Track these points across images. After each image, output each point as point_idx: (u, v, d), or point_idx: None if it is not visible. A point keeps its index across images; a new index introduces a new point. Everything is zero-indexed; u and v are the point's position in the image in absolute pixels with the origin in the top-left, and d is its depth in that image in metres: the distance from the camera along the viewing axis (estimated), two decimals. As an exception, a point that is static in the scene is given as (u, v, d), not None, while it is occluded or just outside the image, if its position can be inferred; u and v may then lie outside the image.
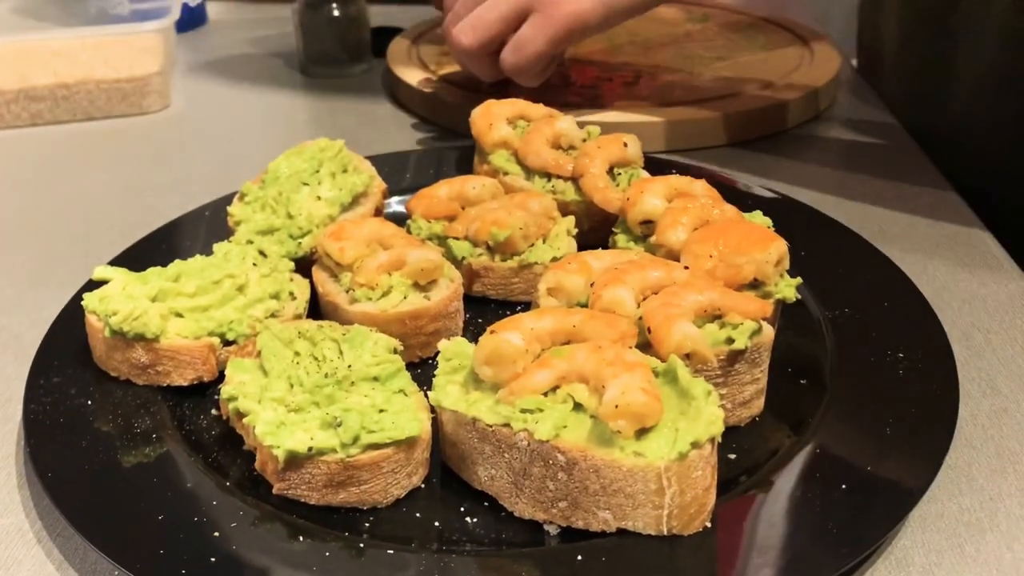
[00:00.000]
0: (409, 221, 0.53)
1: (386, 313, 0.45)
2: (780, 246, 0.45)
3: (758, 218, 0.50)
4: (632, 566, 0.35)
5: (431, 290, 0.47)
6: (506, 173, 0.56)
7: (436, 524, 0.38)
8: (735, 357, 0.40)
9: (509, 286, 0.51)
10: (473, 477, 0.39)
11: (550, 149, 0.56)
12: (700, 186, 0.51)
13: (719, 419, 0.35)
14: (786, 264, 0.45)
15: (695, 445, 0.34)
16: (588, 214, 0.54)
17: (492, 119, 0.58)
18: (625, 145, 0.55)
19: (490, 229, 0.50)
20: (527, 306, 0.49)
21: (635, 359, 0.37)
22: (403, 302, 0.46)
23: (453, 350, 0.40)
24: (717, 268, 0.44)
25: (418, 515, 0.38)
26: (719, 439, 0.35)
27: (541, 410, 0.37)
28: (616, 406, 0.35)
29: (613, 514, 0.36)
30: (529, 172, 0.56)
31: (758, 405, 0.42)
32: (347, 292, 0.46)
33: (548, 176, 0.55)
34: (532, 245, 0.51)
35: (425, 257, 0.47)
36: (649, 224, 0.49)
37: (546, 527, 0.37)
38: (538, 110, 0.59)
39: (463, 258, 0.50)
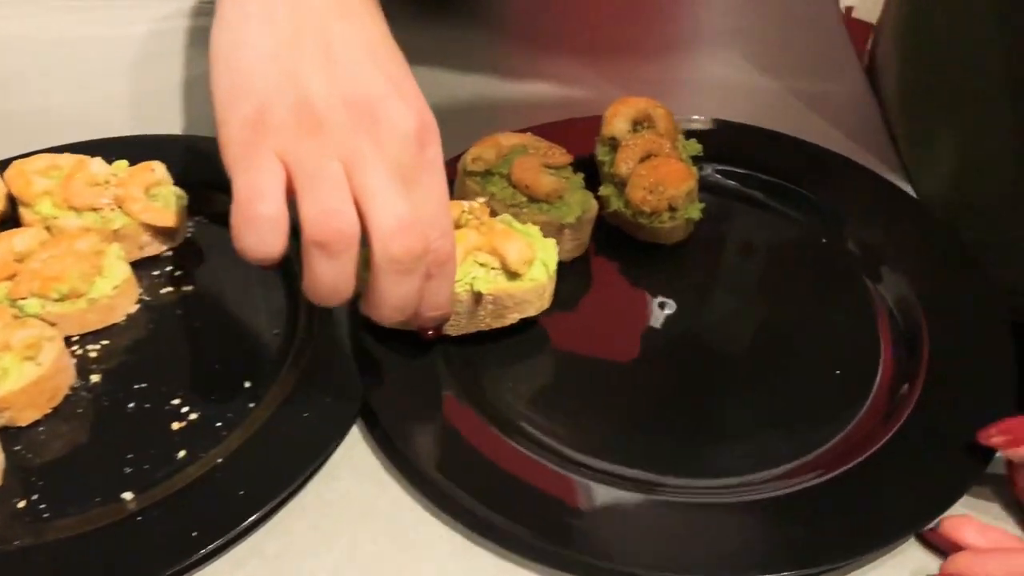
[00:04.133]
0: None
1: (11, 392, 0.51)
2: (689, 182, 0.60)
3: (692, 146, 0.64)
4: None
5: (38, 355, 0.53)
6: (55, 217, 0.61)
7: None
8: (563, 227, 0.59)
9: (85, 323, 0.57)
10: None
11: (90, 188, 0.61)
12: (661, 113, 0.64)
13: (554, 245, 0.56)
14: (694, 194, 0.61)
15: (552, 265, 0.55)
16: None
17: (27, 176, 0.62)
18: (152, 170, 0.63)
19: (51, 285, 0.55)
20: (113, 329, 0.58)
21: (502, 228, 0.55)
22: (20, 377, 0.51)
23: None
24: (648, 196, 0.60)
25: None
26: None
27: (472, 275, 0.53)
28: (522, 260, 0.53)
29: (518, 312, 0.55)
30: (77, 211, 0.61)
31: (579, 251, 0.62)
32: None
33: (95, 210, 0.60)
34: (94, 282, 0.57)
35: (28, 335, 0.53)
36: (615, 139, 0.64)
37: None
38: (67, 159, 0.63)
39: (36, 314, 0.55)
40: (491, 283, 0.54)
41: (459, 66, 0.81)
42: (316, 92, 0.44)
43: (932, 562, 0.47)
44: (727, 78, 0.81)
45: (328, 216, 0.43)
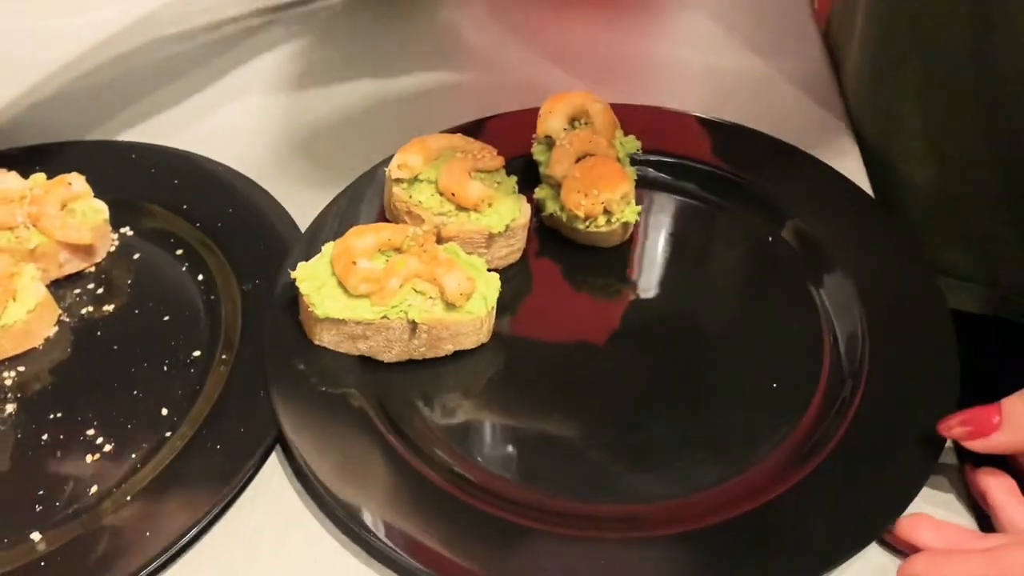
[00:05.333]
0: None
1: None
2: (624, 186, 0.58)
3: (630, 143, 0.62)
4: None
5: None
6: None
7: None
8: (493, 236, 0.57)
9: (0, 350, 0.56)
10: (352, 349, 0.54)
11: (3, 205, 0.59)
12: (599, 108, 0.62)
13: (496, 280, 0.55)
14: (630, 197, 0.59)
15: (492, 300, 0.54)
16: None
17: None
18: (70, 184, 0.60)
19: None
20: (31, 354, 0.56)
21: (445, 257, 0.54)
22: None
23: (307, 273, 0.53)
24: (582, 201, 0.57)
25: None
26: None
27: (408, 303, 0.52)
28: (459, 293, 0.52)
29: (453, 344, 0.54)
30: None
31: (514, 257, 0.60)
32: None
33: (9, 228, 0.58)
34: (6, 307, 0.55)
35: None
36: (550, 138, 0.61)
37: None
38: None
39: None
40: (427, 313, 0.52)
41: (391, 53, 0.78)
42: None
43: (890, 562, 0.46)
44: (676, 57, 0.77)
45: None
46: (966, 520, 0.47)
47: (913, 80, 0.61)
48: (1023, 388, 0.46)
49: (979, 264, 0.65)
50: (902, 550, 0.45)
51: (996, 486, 0.46)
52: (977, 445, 0.46)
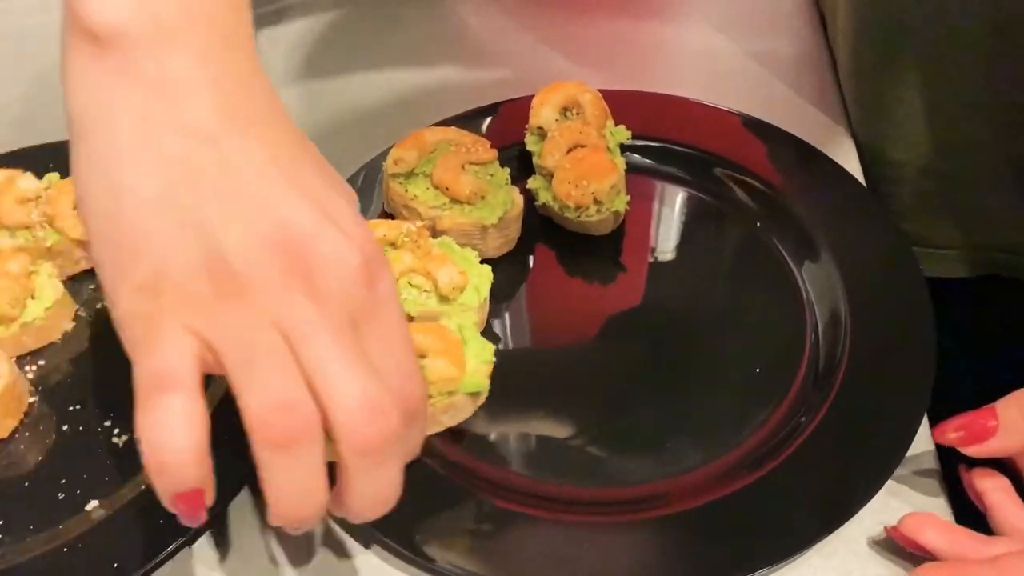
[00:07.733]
0: None
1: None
2: (612, 177, 0.59)
3: (620, 133, 0.63)
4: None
5: None
6: (-14, 238, 0.61)
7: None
8: (486, 227, 0.59)
9: (21, 345, 0.58)
10: None
11: (20, 205, 0.61)
12: (589, 98, 0.63)
13: (488, 272, 0.56)
14: (620, 187, 0.60)
15: (484, 291, 0.56)
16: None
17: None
18: None
19: (-18, 319, 0.57)
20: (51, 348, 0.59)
21: (439, 252, 0.56)
22: None
23: None
24: (572, 192, 0.59)
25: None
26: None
27: (404, 296, 0.55)
28: (452, 286, 0.54)
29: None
30: (9, 230, 0.61)
31: (508, 247, 0.62)
32: None
33: (27, 227, 0.60)
34: (26, 305, 0.58)
35: None
36: (543, 129, 0.62)
37: None
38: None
39: None
40: (422, 305, 0.55)
41: (389, 44, 0.79)
42: (228, 240, 0.34)
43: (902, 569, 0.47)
44: (674, 40, 0.78)
45: (282, 411, 0.34)
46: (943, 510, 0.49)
47: (902, 72, 0.62)
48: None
49: (975, 233, 0.65)
50: (909, 549, 0.46)
51: (992, 487, 0.47)
52: (974, 451, 0.47)
